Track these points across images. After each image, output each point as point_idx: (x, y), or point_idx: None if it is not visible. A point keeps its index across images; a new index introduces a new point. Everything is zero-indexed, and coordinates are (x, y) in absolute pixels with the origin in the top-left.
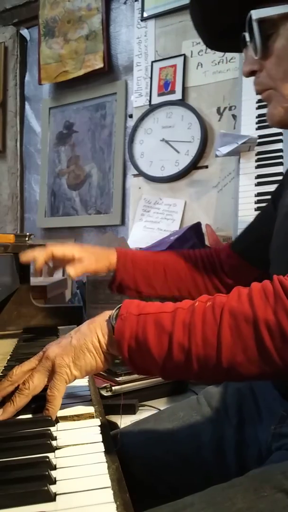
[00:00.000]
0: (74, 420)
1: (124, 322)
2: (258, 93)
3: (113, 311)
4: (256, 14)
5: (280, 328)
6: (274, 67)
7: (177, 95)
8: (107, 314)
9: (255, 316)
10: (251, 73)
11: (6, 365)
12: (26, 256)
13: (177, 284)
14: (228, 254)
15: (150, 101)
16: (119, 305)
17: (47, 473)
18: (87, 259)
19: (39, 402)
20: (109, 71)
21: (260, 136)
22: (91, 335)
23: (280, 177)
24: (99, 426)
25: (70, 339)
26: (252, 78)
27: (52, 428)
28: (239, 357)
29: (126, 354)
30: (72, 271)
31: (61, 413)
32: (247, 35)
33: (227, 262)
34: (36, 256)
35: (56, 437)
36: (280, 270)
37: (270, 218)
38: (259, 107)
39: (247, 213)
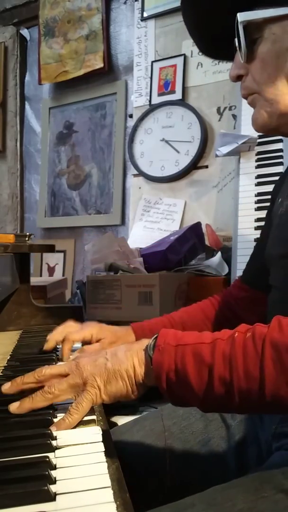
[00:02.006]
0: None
1: (162, 353)
2: (244, 97)
3: (151, 340)
4: (241, 17)
5: None
6: (258, 71)
7: (177, 95)
8: (144, 342)
9: None
10: (237, 78)
11: (6, 365)
12: (49, 344)
13: None
14: (240, 288)
15: (150, 101)
16: (156, 335)
17: (47, 473)
18: (108, 338)
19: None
20: (109, 71)
21: (260, 136)
22: (127, 362)
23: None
24: (99, 426)
25: (106, 361)
26: None
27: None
28: (283, 390)
29: (165, 386)
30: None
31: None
32: (236, 39)
33: (242, 297)
34: (58, 341)
35: (56, 437)
36: (279, 279)
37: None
38: None
39: (247, 213)
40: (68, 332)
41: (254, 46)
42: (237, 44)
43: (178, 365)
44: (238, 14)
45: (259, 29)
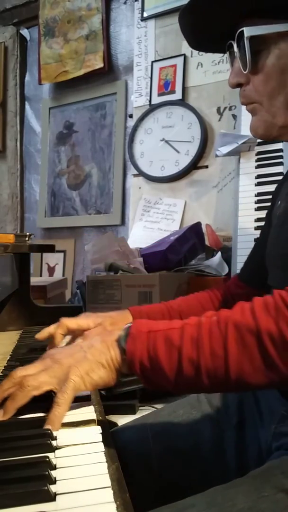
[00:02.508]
0: (74, 426)
1: (134, 340)
2: (243, 104)
3: (122, 331)
4: (248, 31)
5: (282, 337)
6: (261, 84)
7: (177, 95)
8: (116, 333)
9: (258, 328)
10: (237, 85)
11: (6, 365)
12: (42, 334)
13: None
14: (237, 285)
15: (150, 101)
16: (128, 325)
17: (47, 473)
18: (106, 322)
19: (42, 402)
20: (109, 71)
21: None
22: (106, 352)
23: (280, 177)
24: (99, 426)
25: (84, 353)
26: None
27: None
28: (246, 367)
29: (139, 371)
30: None
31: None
32: (235, 46)
33: (238, 293)
34: (52, 332)
35: (56, 437)
36: (277, 279)
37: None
38: None
39: (247, 213)
40: (62, 318)
41: (258, 57)
42: (237, 51)
43: (150, 350)
44: (245, 29)
45: (264, 43)
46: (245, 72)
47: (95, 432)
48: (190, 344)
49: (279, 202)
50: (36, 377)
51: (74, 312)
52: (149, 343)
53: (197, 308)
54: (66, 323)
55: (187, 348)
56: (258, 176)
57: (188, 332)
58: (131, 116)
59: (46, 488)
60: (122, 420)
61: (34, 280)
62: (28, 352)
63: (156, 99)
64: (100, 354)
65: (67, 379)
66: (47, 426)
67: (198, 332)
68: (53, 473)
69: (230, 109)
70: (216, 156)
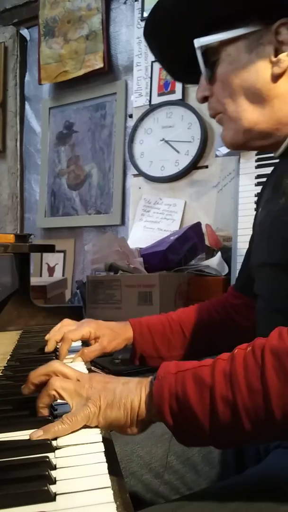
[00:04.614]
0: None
1: (162, 381)
2: (211, 117)
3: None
4: (198, 43)
5: None
6: (220, 92)
7: (177, 95)
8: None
9: None
10: (204, 99)
11: (6, 365)
12: (50, 346)
13: (198, 339)
14: (234, 295)
15: (150, 101)
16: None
17: (47, 473)
18: (106, 336)
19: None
20: (109, 71)
21: None
22: (135, 393)
23: None
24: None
25: (116, 386)
26: None
27: None
28: None
29: (170, 419)
30: (81, 358)
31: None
32: (201, 62)
33: (237, 304)
34: (59, 350)
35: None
36: (261, 288)
37: None
38: None
39: (247, 213)
40: (66, 331)
41: (214, 68)
42: (202, 67)
43: (178, 391)
44: (195, 40)
45: (216, 52)
46: (208, 86)
47: (95, 432)
48: (223, 381)
49: (260, 210)
50: (63, 383)
51: (74, 312)
52: (178, 383)
53: (197, 319)
54: (70, 337)
55: (219, 386)
56: (258, 176)
57: (220, 367)
58: (131, 116)
59: (46, 488)
60: None
61: (34, 280)
62: (32, 352)
63: (156, 99)
64: (128, 393)
65: (85, 405)
66: (37, 431)
67: (231, 366)
68: (53, 473)
69: None
70: (216, 156)
